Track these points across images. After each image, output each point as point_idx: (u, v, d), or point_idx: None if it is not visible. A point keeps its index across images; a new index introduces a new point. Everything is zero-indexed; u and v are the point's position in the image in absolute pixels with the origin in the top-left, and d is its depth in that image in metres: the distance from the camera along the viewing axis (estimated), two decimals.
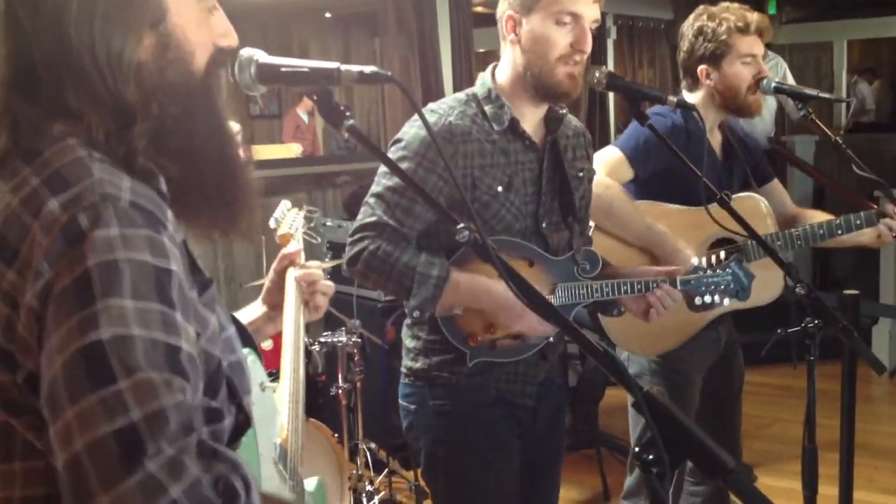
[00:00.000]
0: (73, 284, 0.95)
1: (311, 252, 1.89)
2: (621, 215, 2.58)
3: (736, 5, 2.69)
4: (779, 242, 2.66)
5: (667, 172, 2.56)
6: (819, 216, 2.84)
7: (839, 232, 2.68)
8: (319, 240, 2.02)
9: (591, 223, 2.57)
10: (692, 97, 2.71)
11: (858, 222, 2.67)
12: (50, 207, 0.98)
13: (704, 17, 2.68)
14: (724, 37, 2.62)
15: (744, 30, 2.62)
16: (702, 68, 2.68)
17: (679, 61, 2.76)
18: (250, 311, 1.70)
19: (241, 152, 1.22)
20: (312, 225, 2.03)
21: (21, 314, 0.98)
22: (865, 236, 2.74)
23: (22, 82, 1.08)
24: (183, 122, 1.11)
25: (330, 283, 1.80)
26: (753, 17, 2.66)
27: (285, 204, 2.02)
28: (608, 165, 2.61)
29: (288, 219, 1.97)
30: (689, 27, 2.71)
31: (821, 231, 2.68)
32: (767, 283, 2.59)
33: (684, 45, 2.72)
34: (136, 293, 0.96)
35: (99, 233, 0.96)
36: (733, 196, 2.68)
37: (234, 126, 1.18)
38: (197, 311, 1.07)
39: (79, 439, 0.91)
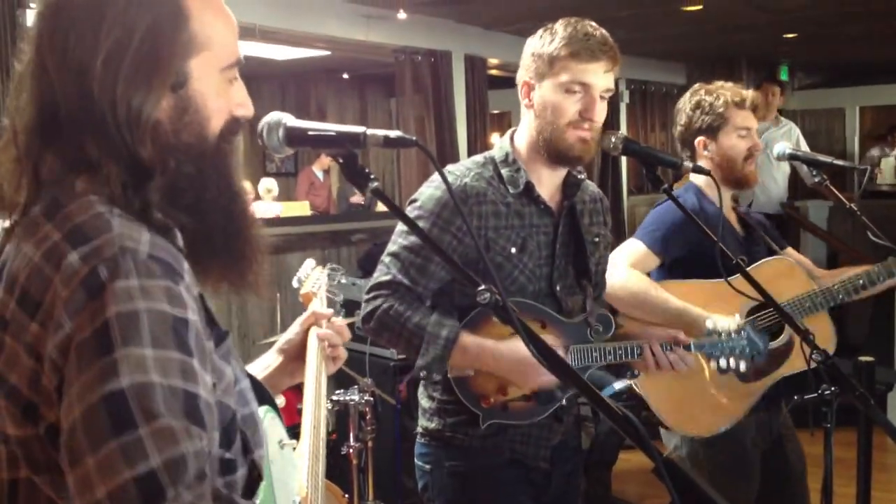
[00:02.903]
0: (94, 334, 0.96)
1: (329, 307, 1.90)
2: (647, 302, 2.59)
3: (730, 83, 2.78)
4: (819, 299, 2.66)
5: (689, 256, 2.60)
6: (845, 273, 2.82)
7: (881, 279, 2.67)
8: (342, 297, 2.03)
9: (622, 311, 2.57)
10: (693, 176, 2.77)
11: None
12: (70, 260, 1.01)
13: (702, 92, 2.77)
14: (721, 110, 2.70)
15: (740, 104, 2.71)
16: (700, 140, 2.74)
17: (676, 135, 2.83)
18: (265, 363, 1.70)
19: (252, 211, 1.23)
20: (336, 283, 2.05)
21: (45, 366, 0.99)
22: None
23: (45, 128, 1.10)
24: (195, 180, 1.14)
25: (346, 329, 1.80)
26: (748, 93, 2.76)
27: (309, 263, 2.04)
28: (631, 258, 2.65)
29: (312, 278, 1.98)
30: (685, 102, 2.79)
31: (860, 281, 2.67)
32: (822, 338, 2.59)
33: (682, 119, 2.79)
34: (154, 342, 0.97)
35: (118, 284, 0.98)
36: (765, 260, 2.70)
37: (245, 184, 1.21)
38: (213, 362, 1.08)
39: (100, 487, 0.92)
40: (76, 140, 1.09)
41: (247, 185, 1.22)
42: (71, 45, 1.08)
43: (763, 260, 2.70)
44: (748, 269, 2.61)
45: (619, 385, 2.71)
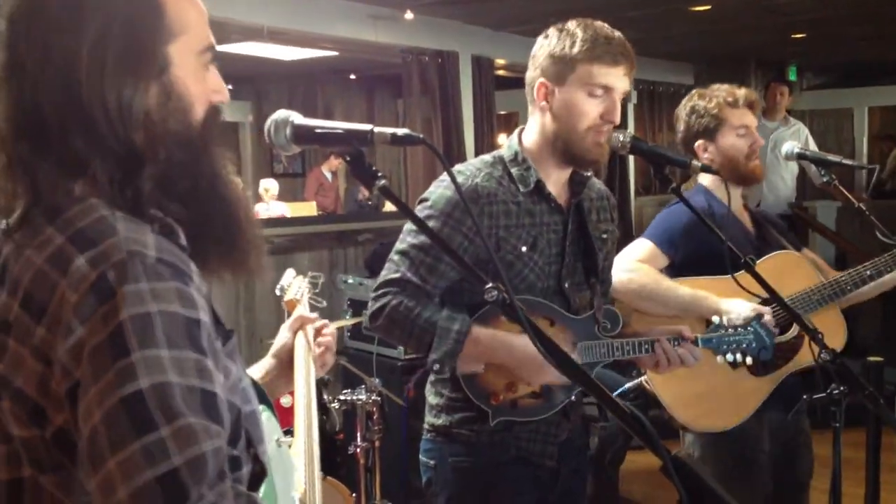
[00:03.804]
0: (108, 338, 0.96)
1: (325, 313, 1.93)
2: (657, 293, 2.59)
3: (726, 85, 2.80)
4: (827, 290, 2.65)
5: (698, 257, 2.59)
6: None
7: (888, 269, 2.66)
8: (325, 304, 2.06)
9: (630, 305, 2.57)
10: (701, 177, 2.77)
11: None
12: (77, 264, 1.00)
13: (696, 96, 2.80)
14: (715, 111, 2.72)
15: (733, 103, 2.73)
16: (699, 143, 2.74)
17: (678, 142, 2.84)
18: (263, 368, 1.71)
19: (245, 197, 1.23)
20: (317, 290, 2.07)
21: (54, 370, 0.99)
22: None
23: (29, 132, 1.09)
24: (188, 167, 1.14)
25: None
26: (742, 91, 2.77)
27: (290, 273, 2.07)
28: (640, 255, 2.65)
29: (294, 286, 2.01)
30: (682, 108, 2.81)
31: (868, 272, 2.66)
32: (833, 332, 2.59)
33: (680, 125, 2.81)
34: (169, 343, 0.98)
35: (129, 287, 0.98)
36: (770, 255, 2.69)
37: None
38: (221, 361, 1.09)
39: (122, 488, 0.92)
40: (62, 138, 1.08)
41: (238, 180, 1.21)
42: (52, 41, 1.07)
43: (768, 255, 2.69)
44: (757, 262, 2.60)
45: (629, 384, 2.70)
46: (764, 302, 2.56)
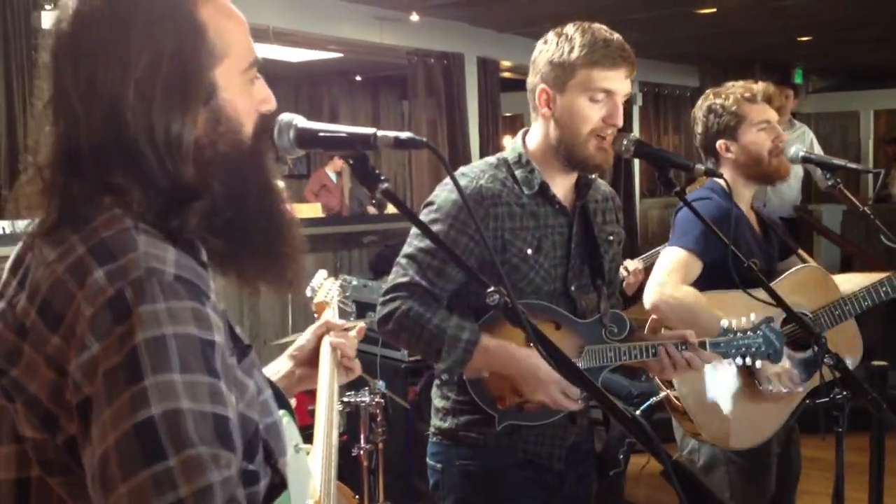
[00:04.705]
0: (122, 362, 0.96)
1: (341, 316, 1.93)
2: (702, 322, 2.46)
3: (741, 81, 2.75)
4: (847, 307, 2.63)
5: (724, 258, 2.54)
6: (847, 280, 2.80)
7: None
8: (354, 308, 2.05)
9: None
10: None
11: None
12: (95, 277, 1.00)
13: (712, 95, 2.74)
14: (734, 108, 2.67)
15: (751, 99, 2.68)
16: (720, 143, 2.69)
17: (697, 145, 2.78)
18: (275, 368, 1.70)
19: (290, 209, 1.23)
20: (348, 294, 2.07)
21: (69, 381, 0.99)
22: None
23: (67, 163, 1.09)
24: (235, 190, 1.13)
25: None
26: (759, 86, 2.71)
27: (321, 273, 2.07)
28: (677, 267, 2.55)
29: (324, 288, 2.00)
30: (698, 109, 2.76)
31: (884, 289, 2.64)
32: (850, 349, 2.59)
33: (698, 127, 2.75)
34: (183, 366, 0.97)
35: (145, 308, 0.98)
36: (797, 268, 2.68)
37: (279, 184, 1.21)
38: (236, 378, 1.08)
39: None
40: (100, 171, 1.07)
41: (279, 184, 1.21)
42: (98, 75, 1.06)
43: (795, 268, 2.67)
44: (783, 276, 2.55)
45: (653, 399, 2.67)
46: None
